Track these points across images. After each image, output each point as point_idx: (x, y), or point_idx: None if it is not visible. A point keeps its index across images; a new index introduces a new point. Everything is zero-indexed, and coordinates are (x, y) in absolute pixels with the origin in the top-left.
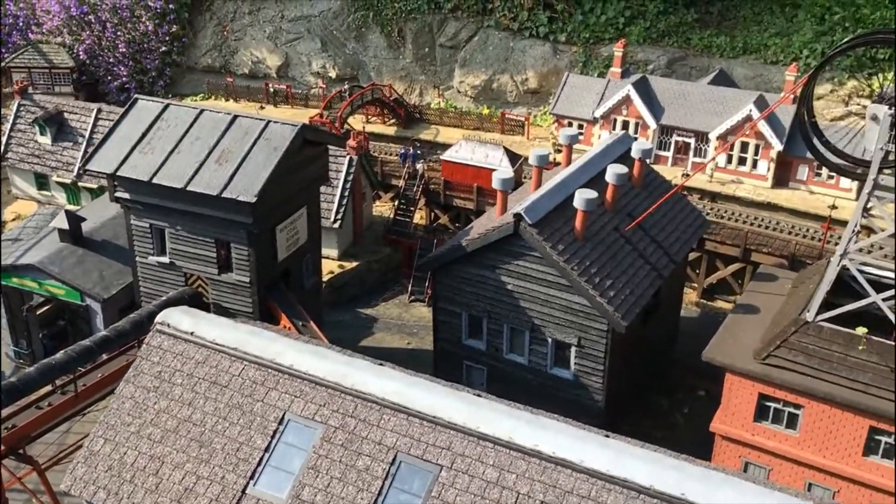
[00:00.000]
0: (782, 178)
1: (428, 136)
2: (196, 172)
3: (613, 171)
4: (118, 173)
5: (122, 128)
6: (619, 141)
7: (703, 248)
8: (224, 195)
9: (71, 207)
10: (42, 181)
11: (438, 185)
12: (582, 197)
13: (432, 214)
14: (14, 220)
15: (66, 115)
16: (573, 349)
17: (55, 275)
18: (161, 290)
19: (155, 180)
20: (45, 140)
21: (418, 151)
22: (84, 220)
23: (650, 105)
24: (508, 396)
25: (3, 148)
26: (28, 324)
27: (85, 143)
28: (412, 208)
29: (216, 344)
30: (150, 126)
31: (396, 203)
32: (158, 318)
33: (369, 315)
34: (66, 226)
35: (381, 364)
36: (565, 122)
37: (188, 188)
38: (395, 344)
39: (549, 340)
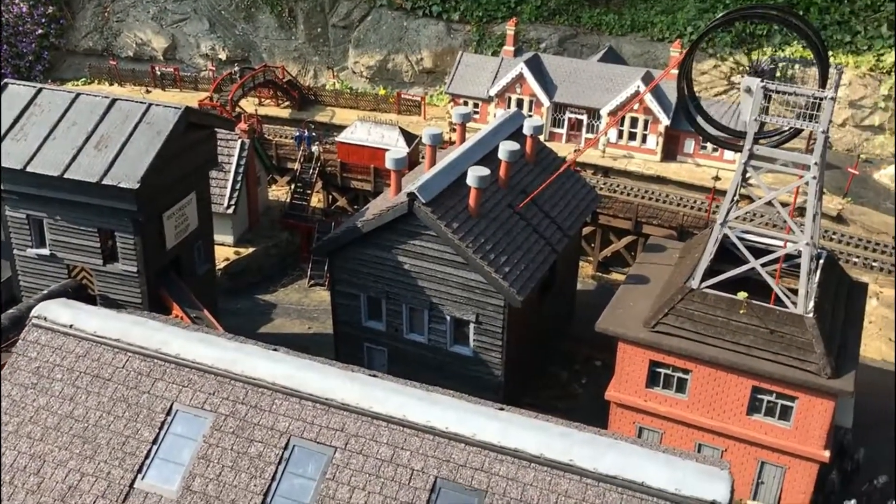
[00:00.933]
0: (670, 151)
1: (323, 118)
2: (73, 159)
3: (506, 148)
4: None
5: None
6: (510, 118)
7: (597, 222)
8: (105, 182)
9: None
10: None
11: (335, 168)
12: (474, 174)
13: (330, 197)
14: None
15: None
16: (472, 326)
17: None
18: (43, 283)
19: (29, 168)
20: None
21: (313, 133)
22: None
23: (543, 83)
24: (410, 376)
25: None
26: None
27: None
28: (309, 191)
29: (97, 336)
30: (22, 112)
31: (293, 187)
32: (34, 312)
33: (268, 301)
34: None
35: (273, 349)
36: (461, 101)
37: (66, 175)
38: (295, 329)
39: (448, 318)
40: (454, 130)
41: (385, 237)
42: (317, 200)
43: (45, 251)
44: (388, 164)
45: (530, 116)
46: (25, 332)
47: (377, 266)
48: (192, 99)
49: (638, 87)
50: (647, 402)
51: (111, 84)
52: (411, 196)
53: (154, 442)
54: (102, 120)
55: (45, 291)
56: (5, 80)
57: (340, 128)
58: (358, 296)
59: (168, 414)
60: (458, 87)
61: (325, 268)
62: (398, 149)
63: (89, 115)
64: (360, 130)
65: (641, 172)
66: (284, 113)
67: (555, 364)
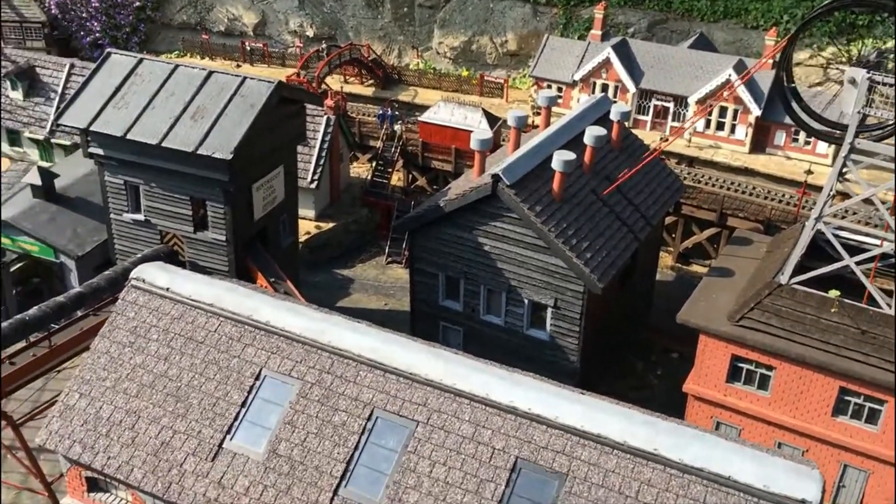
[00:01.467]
0: (760, 143)
1: (406, 97)
2: (171, 128)
3: (592, 133)
4: (91, 128)
5: (94, 82)
6: (597, 104)
7: (679, 212)
8: (199, 152)
9: (43, 164)
10: (13, 137)
11: (416, 147)
12: (560, 158)
13: (410, 176)
14: None
15: (37, 70)
16: (549, 310)
17: (28, 231)
18: (136, 247)
19: (129, 136)
20: (17, 95)
21: (396, 112)
22: (57, 176)
23: (630, 68)
24: (484, 358)
25: None
26: (1, 281)
27: (57, 99)
28: (390, 170)
29: (192, 300)
30: (124, 81)
31: (374, 164)
32: (133, 274)
33: (346, 276)
34: (38, 182)
35: (357, 322)
36: (544, 84)
37: (163, 144)
38: (371, 305)
39: (526, 302)
40: (537, 114)
41: (466, 217)
42: (397, 179)
43: (140, 217)
44: (473, 145)
45: (615, 102)
46: (125, 292)
47: (457, 246)
48: (279, 74)
49: (729, 75)
50: (727, 397)
51: (202, 58)
52: (495, 178)
53: (243, 405)
54: (199, 91)
55: (139, 255)
56: (108, 50)
57: (423, 107)
58: (436, 275)
59: (257, 379)
60: (543, 70)
61: (403, 246)
62: (482, 130)
63: (187, 87)
64: (443, 111)
65: (728, 163)
66: (368, 91)
67: (631, 353)
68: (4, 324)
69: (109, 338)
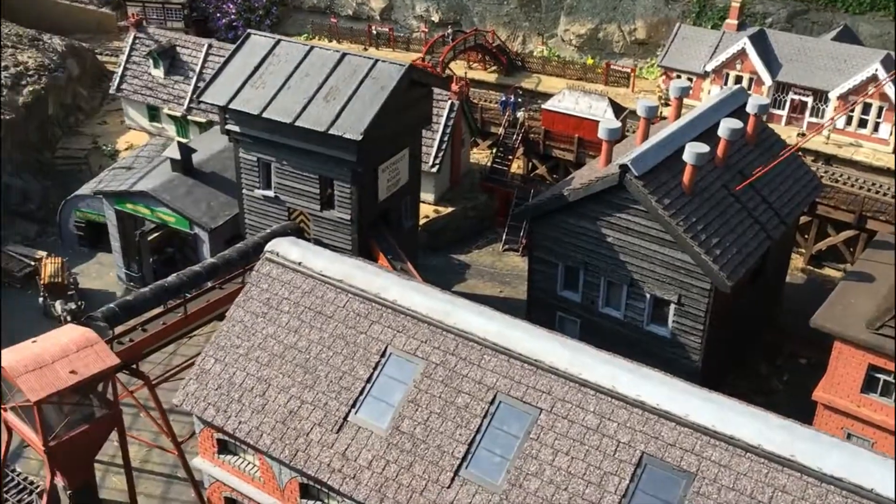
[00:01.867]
0: None
1: (529, 84)
2: (304, 108)
3: (727, 126)
4: (230, 106)
5: (234, 62)
6: (732, 95)
7: (814, 212)
8: (330, 132)
9: (180, 139)
10: (153, 113)
11: (538, 135)
12: (693, 150)
13: (530, 164)
14: (127, 149)
15: (178, 49)
16: (672, 307)
17: (166, 202)
18: (265, 223)
19: (265, 114)
20: (158, 73)
21: (519, 99)
22: (195, 151)
23: (766, 60)
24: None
25: (118, 79)
26: (140, 249)
27: (195, 78)
28: (510, 157)
29: (322, 275)
30: (262, 61)
31: (494, 151)
32: (268, 247)
33: (462, 261)
34: (177, 156)
35: (482, 306)
36: (674, 74)
37: (296, 123)
38: (487, 291)
39: (648, 296)
40: (666, 104)
41: (590, 207)
42: (516, 166)
43: (271, 193)
44: (601, 134)
45: (751, 95)
46: (259, 264)
47: (579, 236)
48: (404, 58)
49: (875, 70)
50: (860, 408)
51: (330, 41)
52: (623, 168)
53: (368, 380)
54: (332, 73)
55: (268, 231)
56: (248, 31)
57: (546, 95)
58: (556, 264)
59: (382, 356)
60: (673, 59)
61: (521, 234)
62: (609, 119)
63: (321, 68)
64: (567, 99)
65: (870, 163)
66: (491, 77)
67: (755, 356)
68: (146, 289)
69: (244, 307)
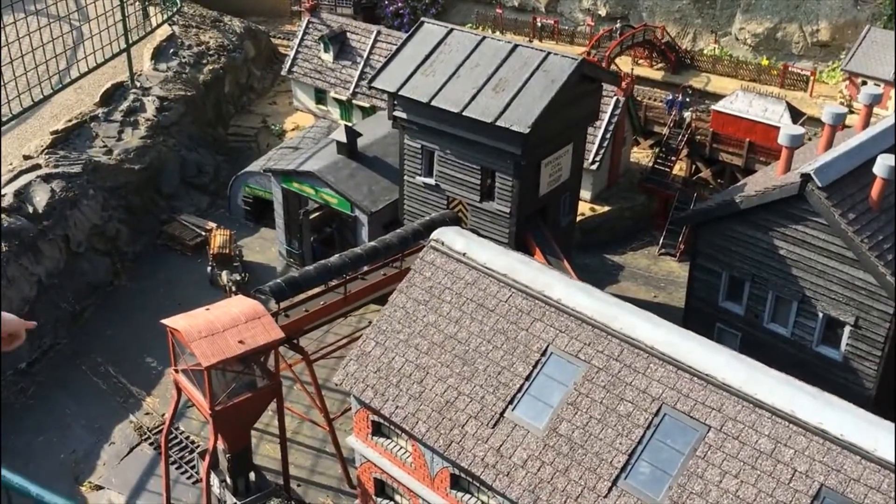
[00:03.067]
0: None
1: (698, 83)
2: (473, 98)
3: None
4: (400, 93)
5: (407, 49)
6: None
7: None
8: (497, 123)
9: (346, 123)
10: (320, 96)
11: (705, 137)
12: (886, 163)
13: (693, 167)
14: (293, 129)
15: (348, 34)
16: (847, 329)
17: (331, 184)
18: (423, 210)
19: (433, 102)
20: (328, 57)
21: (687, 99)
22: (360, 135)
23: None
24: None
25: (290, 62)
26: (301, 227)
27: (363, 64)
28: (673, 158)
29: (486, 268)
30: (434, 49)
31: (657, 151)
32: (434, 235)
33: (616, 262)
34: (344, 139)
35: (649, 312)
36: (859, 80)
37: (463, 113)
38: (640, 295)
39: (820, 315)
40: (850, 111)
41: (763, 217)
42: (678, 169)
43: (432, 181)
44: (782, 140)
45: None
46: (424, 252)
47: (748, 245)
48: (568, 52)
49: None
50: None
51: (493, 31)
52: (805, 177)
53: (527, 378)
54: (503, 64)
55: (428, 218)
56: (422, 19)
57: (715, 96)
58: (719, 273)
59: (543, 354)
60: (859, 64)
61: (680, 238)
62: (790, 125)
63: (491, 59)
64: (740, 101)
65: None
66: (657, 75)
67: None
68: (311, 268)
69: (406, 293)
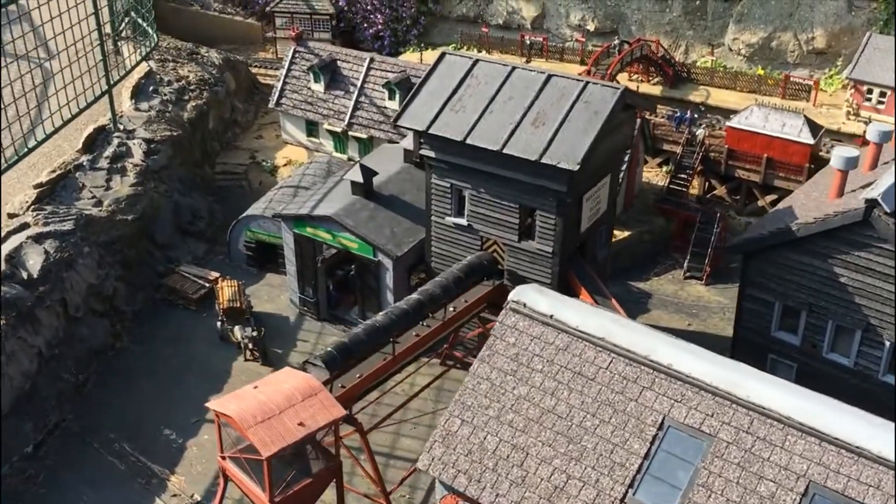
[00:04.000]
0: None
1: (698, 97)
2: (512, 134)
3: None
4: (430, 131)
5: (431, 83)
6: None
7: None
8: (543, 161)
9: (338, 155)
10: (311, 128)
11: (720, 154)
12: None
13: (706, 184)
14: (286, 164)
15: (338, 63)
16: None
17: (350, 228)
18: (454, 251)
19: (469, 140)
20: (319, 88)
21: (695, 115)
22: (376, 174)
23: None
24: None
25: (278, 94)
26: (316, 273)
27: (357, 93)
28: (689, 177)
29: (579, 331)
30: (461, 83)
31: (670, 170)
32: (512, 296)
33: (642, 289)
34: (360, 179)
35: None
36: (863, 87)
37: (504, 151)
38: (673, 324)
39: (887, 344)
40: (859, 120)
41: (821, 244)
42: (692, 186)
43: (463, 221)
44: (837, 164)
45: None
46: (503, 315)
47: (803, 274)
48: (559, 69)
49: None
50: None
51: (479, 51)
52: (871, 203)
53: (645, 456)
54: (539, 96)
55: (466, 262)
56: (443, 51)
57: (715, 109)
58: (772, 303)
59: (659, 428)
60: (863, 72)
61: (705, 261)
62: (843, 148)
63: (524, 90)
64: (755, 115)
65: None
66: (655, 90)
67: None
68: (359, 329)
69: (489, 363)
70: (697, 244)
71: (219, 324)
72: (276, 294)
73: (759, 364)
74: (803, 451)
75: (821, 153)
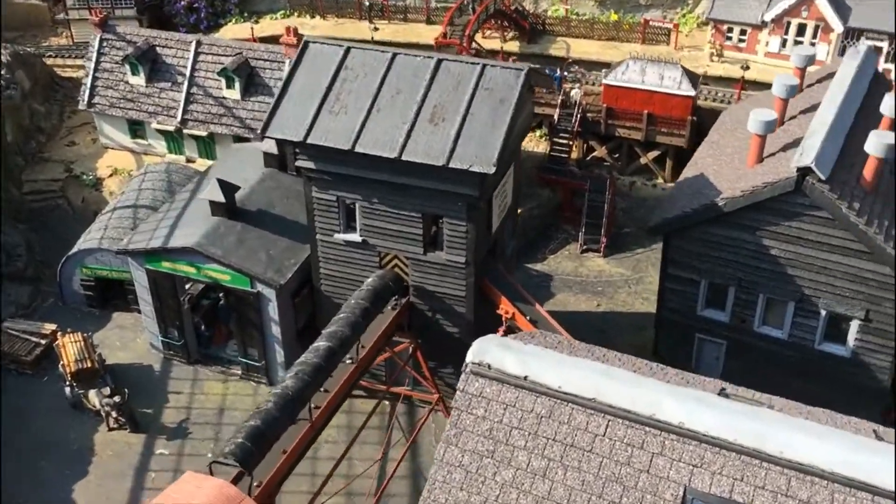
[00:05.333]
0: None
1: (557, 51)
2: (408, 136)
3: (892, 104)
4: (308, 141)
5: (297, 81)
6: (866, 59)
7: None
8: (452, 165)
9: (173, 157)
10: (136, 128)
11: (598, 114)
12: (882, 141)
13: (585, 146)
14: (111, 175)
15: (158, 50)
16: (855, 323)
17: (219, 258)
18: (347, 272)
19: (358, 148)
20: (139, 81)
21: (566, 73)
22: (238, 188)
23: (835, 3)
24: (754, 374)
25: (88, 92)
26: (181, 312)
27: (187, 84)
28: (571, 142)
29: (563, 392)
30: (334, 77)
31: (545, 135)
32: (471, 357)
33: (541, 272)
34: (220, 198)
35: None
36: (724, 27)
37: (403, 157)
38: (582, 306)
39: (823, 313)
40: (721, 62)
41: (748, 216)
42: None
43: (356, 237)
44: (754, 128)
45: (814, 45)
46: (464, 382)
47: (731, 249)
48: (409, 32)
49: None
50: None
51: (312, 16)
52: (804, 171)
53: None
54: (431, 86)
55: (369, 288)
56: (305, 39)
57: (580, 62)
58: (698, 282)
59: (683, 502)
60: (722, 11)
61: (601, 231)
62: (762, 111)
63: (413, 80)
64: (631, 70)
65: None
66: (513, 47)
67: None
68: (269, 405)
69: (459, 445)
70: (590, 215)
71: (67, 389)
72: (131, 337)
73: (685, 344)
74: None
75: (699, 103)
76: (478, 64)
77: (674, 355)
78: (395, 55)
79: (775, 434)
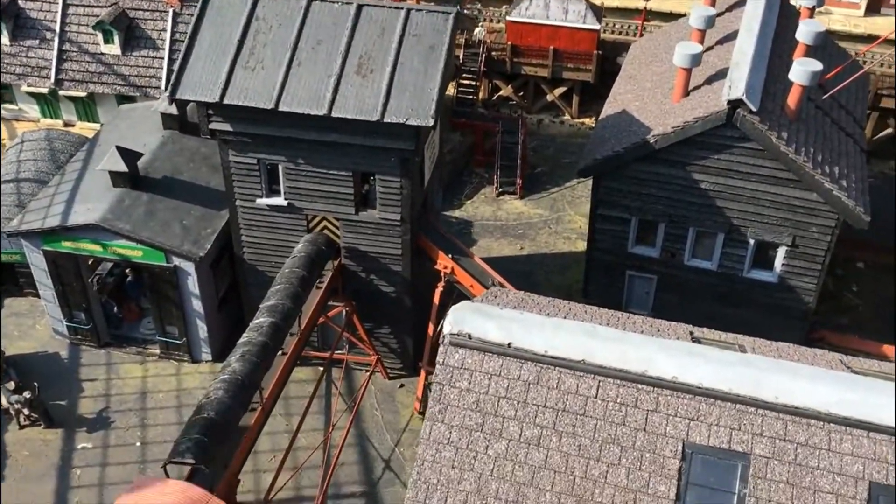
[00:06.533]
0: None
1: None
2: (336, 90)
3: (808, 29)
4: (225, 101)
5: (203, 35)
6: None
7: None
8: (387, 120)
9: (50, 122)
10: (3, 91)
11: (503, 52)
12: (805, 69)
13: (490, 85)
14: None
15: (21, 3)
16: (782, 250)
17: (128, 234)
18: (272, 238)
19: (282, 107)
20: (1, 40)
21: (465, 11)
22: (141, 156)
23: None
24: (684, 305)
25: None
26: (87, 293)
27: (57, 38)
28: (477, 83)
29: (550, 357)
30: (245, 30)
31: (455, 79)
32: (451, 329)
33: (460, 218)
34: (122, 167)
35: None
36: None
37: (333, 114)
38: (505, 251)
39: (751, 242)
40: None
41: (677, 152)
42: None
43: (281, 201)
44: (680, 61)
45: None
46: (444, 354)
47: (661, 185)
48: None
49: None
50: None
51: None
52: (735, 103)
53: (676, 498)
54: (354, 35)
55: (302, 255)
56: None
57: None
58: (628, 220)
59: (682, 458)
60: None
61: (516, 172)
62: (687, 44)
63: (333, 29)
64: (535, 5)
65: (847, 31)
66: None
67: None
68: (219, 391)
69: (445, 421)
70: (504, 157)
71: None
72: (29, 324)
73: (616, 282)
74: (854, 449)
75: (603, 36)
76: (401, 8)
77: (605, 294)
78: (310, 2)
79: (769, 380)
